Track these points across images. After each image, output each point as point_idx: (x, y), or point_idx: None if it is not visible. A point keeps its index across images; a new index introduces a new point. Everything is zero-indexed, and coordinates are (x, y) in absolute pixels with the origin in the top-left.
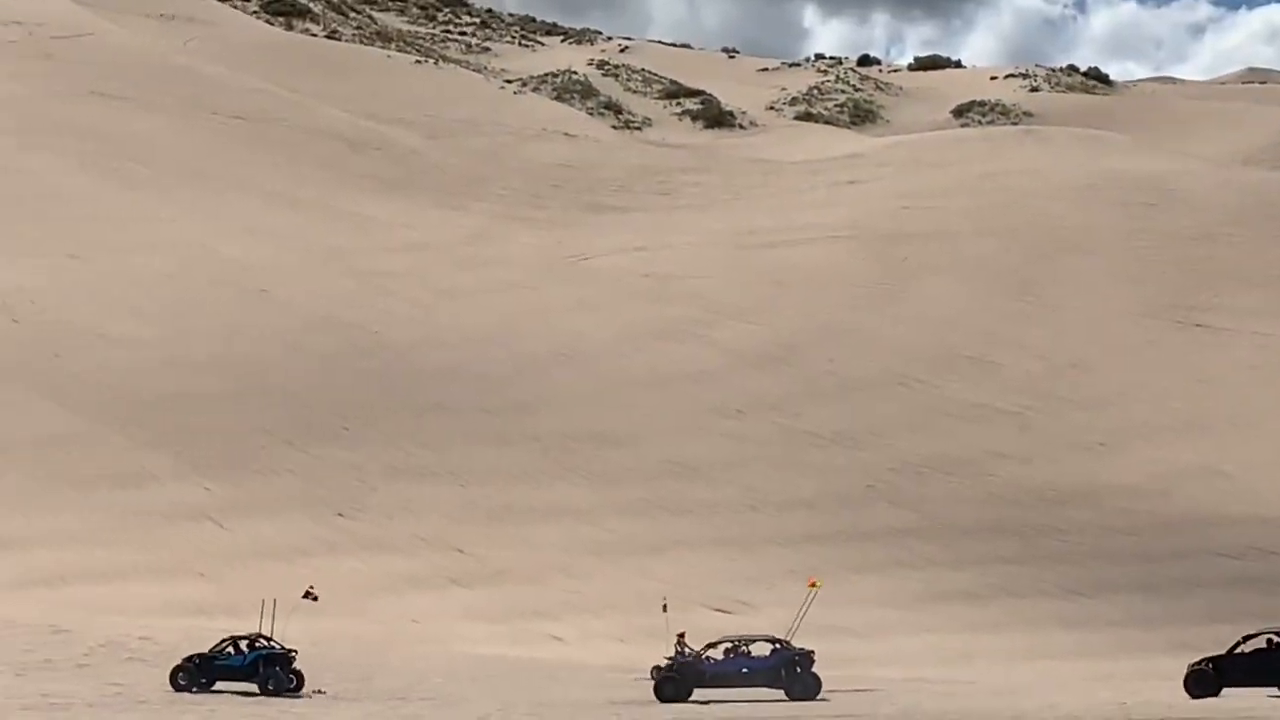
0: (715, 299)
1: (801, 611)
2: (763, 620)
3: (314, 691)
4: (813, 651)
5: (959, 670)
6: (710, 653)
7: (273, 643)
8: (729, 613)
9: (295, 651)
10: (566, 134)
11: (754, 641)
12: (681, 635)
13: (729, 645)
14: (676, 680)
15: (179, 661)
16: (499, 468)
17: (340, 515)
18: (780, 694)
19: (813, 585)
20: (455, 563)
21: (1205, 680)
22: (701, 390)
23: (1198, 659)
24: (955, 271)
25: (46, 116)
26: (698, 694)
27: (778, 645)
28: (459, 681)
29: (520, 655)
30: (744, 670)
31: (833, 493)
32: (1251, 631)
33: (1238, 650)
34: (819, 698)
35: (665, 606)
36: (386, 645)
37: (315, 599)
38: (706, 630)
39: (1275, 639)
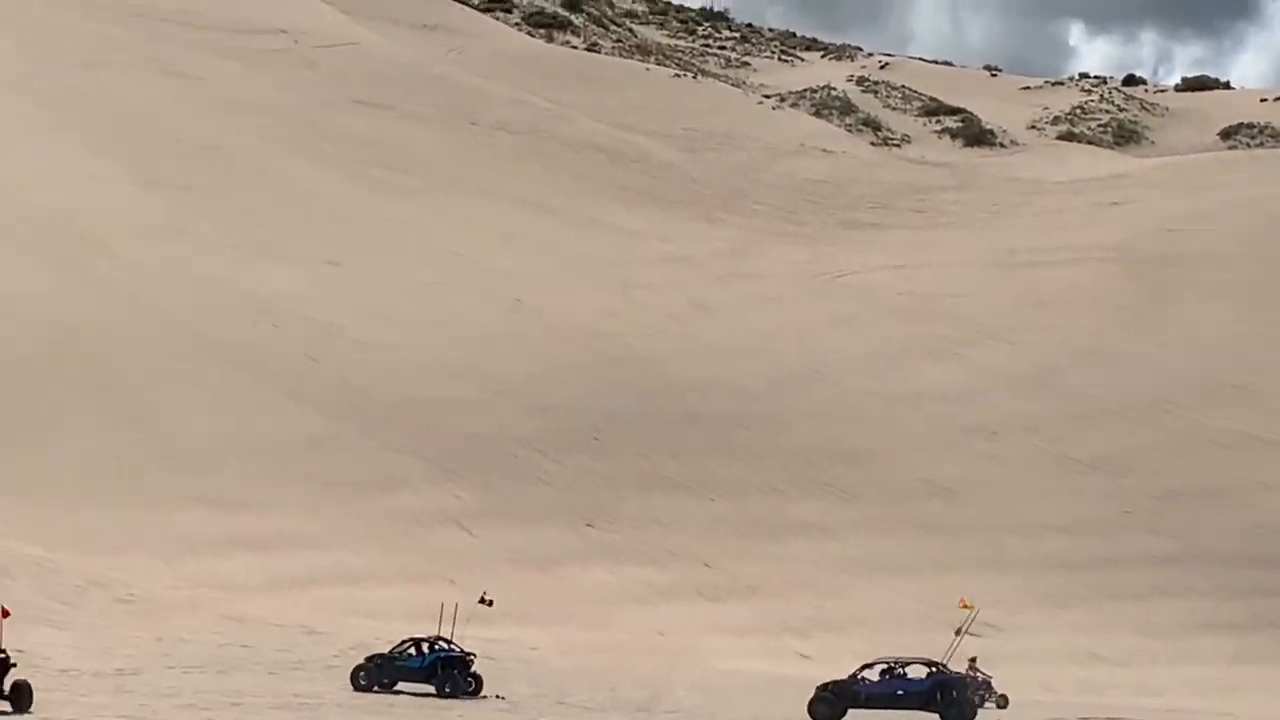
0: (973, 318)
1: (961, 635)
2: (1013, 645)
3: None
4: (969, 675)
5: (1220, 702)
6: (865, 674)
7: (453, 645)
8: (977, 636)
9: (474, 655)
10: (824, 150)
11: (910, 664)
12: (973, 660)
13: (885, 667)
14: (831, 701)
15: (360, 661)
16: (750, 482)
17: (590, 525)
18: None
19: (965, 607)
20: (703, 576)
21: None
22: (956, 410)
23: None
24: (1222, 296)
25: (310, 124)
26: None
27: (934, 669)
28: (704, 695)
29: (767, 671)
30: (899, 693)
31: (1089, 518)
32: None
33: None
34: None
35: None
36: (633, 656)
37: (490, 604)
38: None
39: None
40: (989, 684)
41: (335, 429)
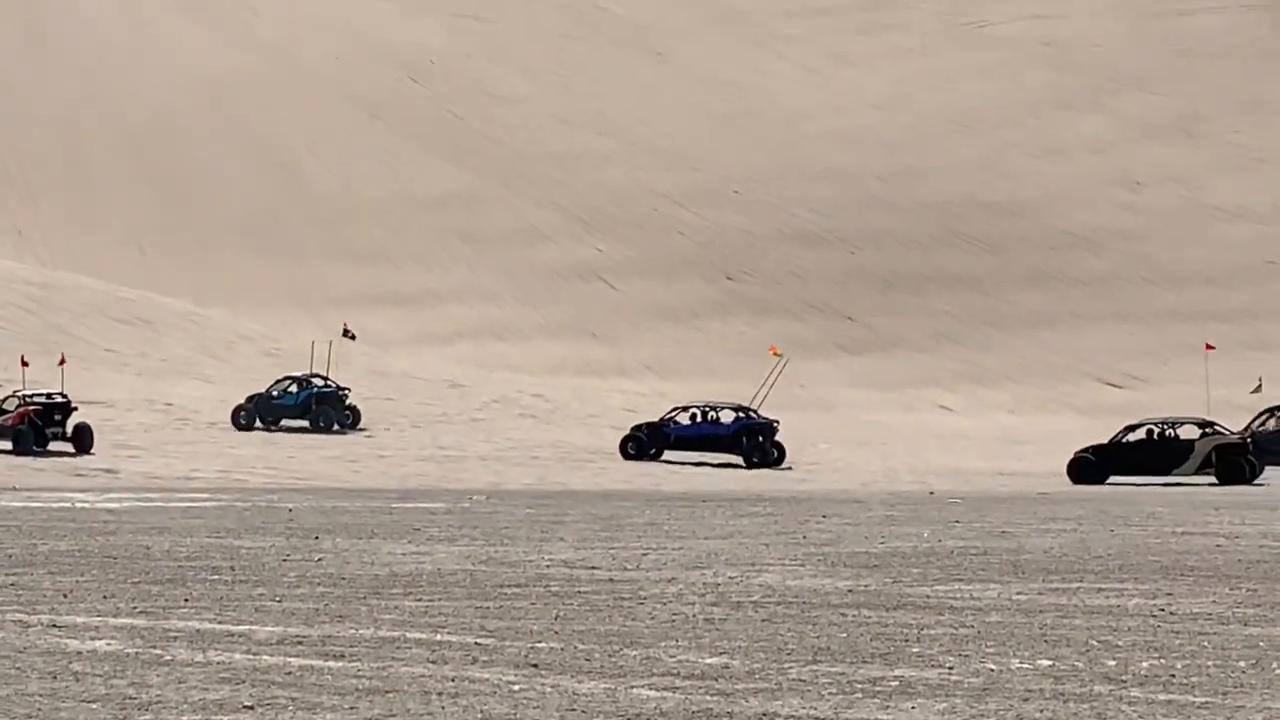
0: (1117, 68)
1: (768, 382)
2: (1158, 395)
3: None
4: (776, 422)
5: None
6: (678, 416)
7: (329, 382)
8: (1120, 387)
9: (348, 390)
10: None
11: (721, 409)
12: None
13: (696, 410)
14: (641, 440)
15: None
16: (891, 234)
17: (730, 278)
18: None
19: (775, 354)
20: (844, 329)
21: None
22: (1100, 161)
23: None
24: None
25: None
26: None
27: (741, 414)
28: (844, 448)
29: (909, 423)
30: (706, 435)
31: (1234, 267)
32: None
33: None
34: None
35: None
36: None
37: (353, 337)
38: (1100, 404)
39: None
40: None
41: (476, 183)
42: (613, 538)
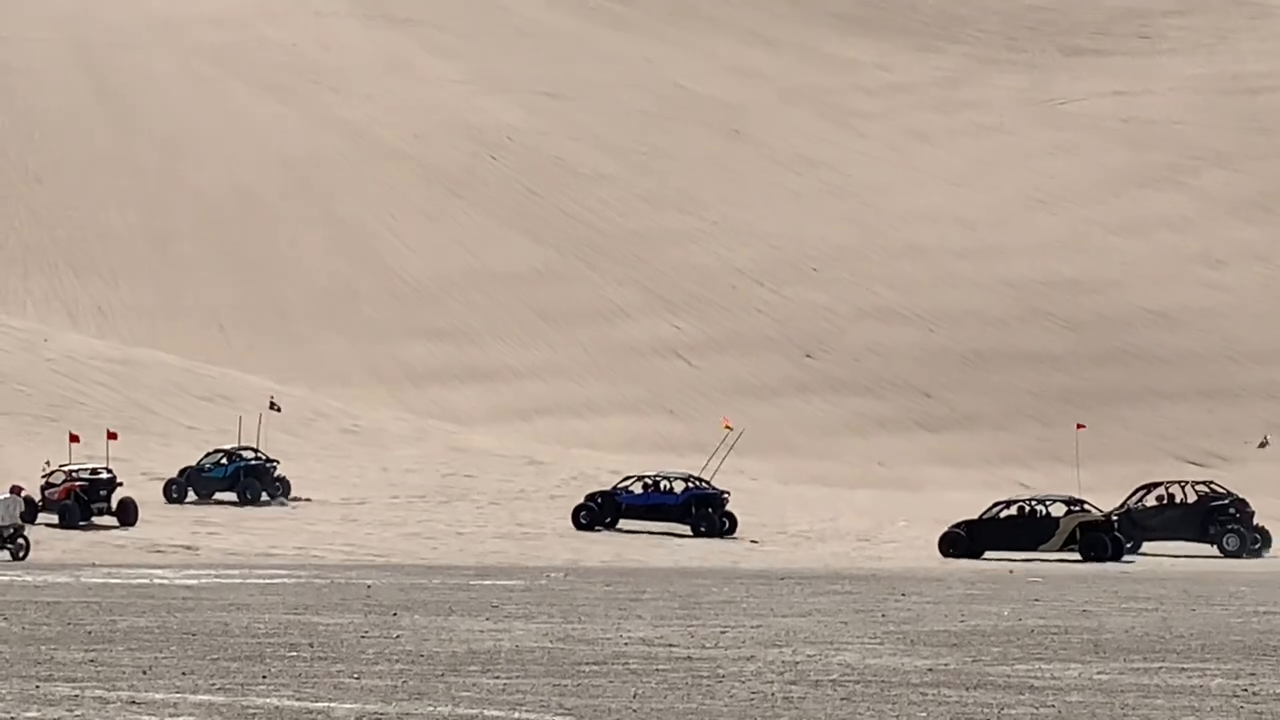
0: (1197, 145)
1: (720, 453)
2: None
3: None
4: (726, 493)
5: None
6: (631, 485)
7: (259, 454)
8: (1202, 465)
9: (277, 462)
10: None
11: (674, 479)
12: None
13: (647, 479)
14: (593, 509)
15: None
16: (969, 312)
17: (809, 356)
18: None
19: (727, 427)
20: (922, 406)
21: None
22: (1181, 238)
23: None
24: None
25: None
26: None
27: (691, 484)
28: (923, 525)
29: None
30: (655, 505)
31: None
32: None
33: None
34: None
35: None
36: (853, 487)
37: (278, 410)
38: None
39: None
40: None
41: (555, 260)
42: (690, 615)
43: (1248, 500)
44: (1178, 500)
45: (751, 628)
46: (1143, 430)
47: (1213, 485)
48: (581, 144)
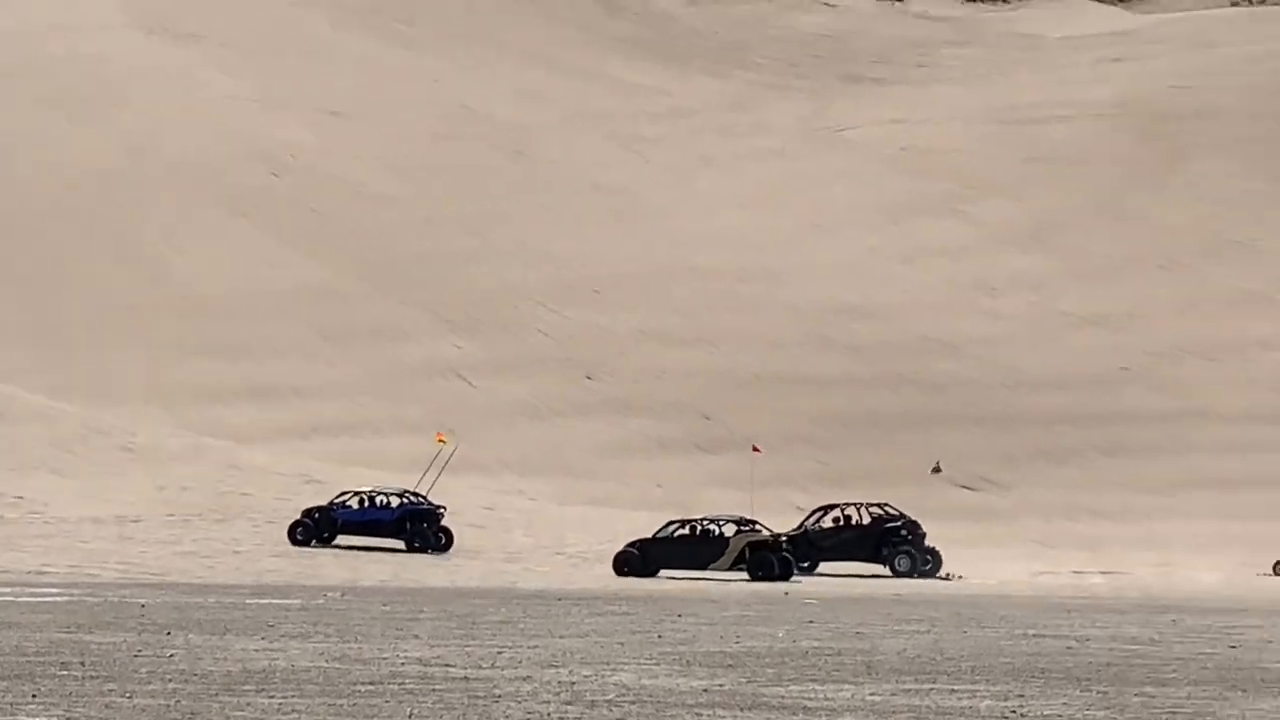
0: (974, 175)
1: (431, 469)
2: (1012, 500)
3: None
4: (442, 508)
5: (1212, 558)
6: (349, 500)
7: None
8: (976, 490)
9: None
10: (826, 3)
11: (390, 494)
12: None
13: (363, 495)
14: (309, 525)
15: None
16: (751, 335)
17: (589, 377)
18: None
19: (441, 441)
20: (703, 428)
21: None
22: (958, 266)
23: None
24: (1223, 154)
25: None
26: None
27: (405, 499)
28: None
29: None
30: (370, 520)
31: (1088, 374)
32: None
33: None
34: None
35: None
36: (632, 508)
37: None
38: (954, 507)
39: None
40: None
41: (337, 279)
42: (468, 635)
43: (920, 523)
44: (854, 522)
45: (529, 648)
46: (918, 454)
47: (886, 508)
48: (366, 163)
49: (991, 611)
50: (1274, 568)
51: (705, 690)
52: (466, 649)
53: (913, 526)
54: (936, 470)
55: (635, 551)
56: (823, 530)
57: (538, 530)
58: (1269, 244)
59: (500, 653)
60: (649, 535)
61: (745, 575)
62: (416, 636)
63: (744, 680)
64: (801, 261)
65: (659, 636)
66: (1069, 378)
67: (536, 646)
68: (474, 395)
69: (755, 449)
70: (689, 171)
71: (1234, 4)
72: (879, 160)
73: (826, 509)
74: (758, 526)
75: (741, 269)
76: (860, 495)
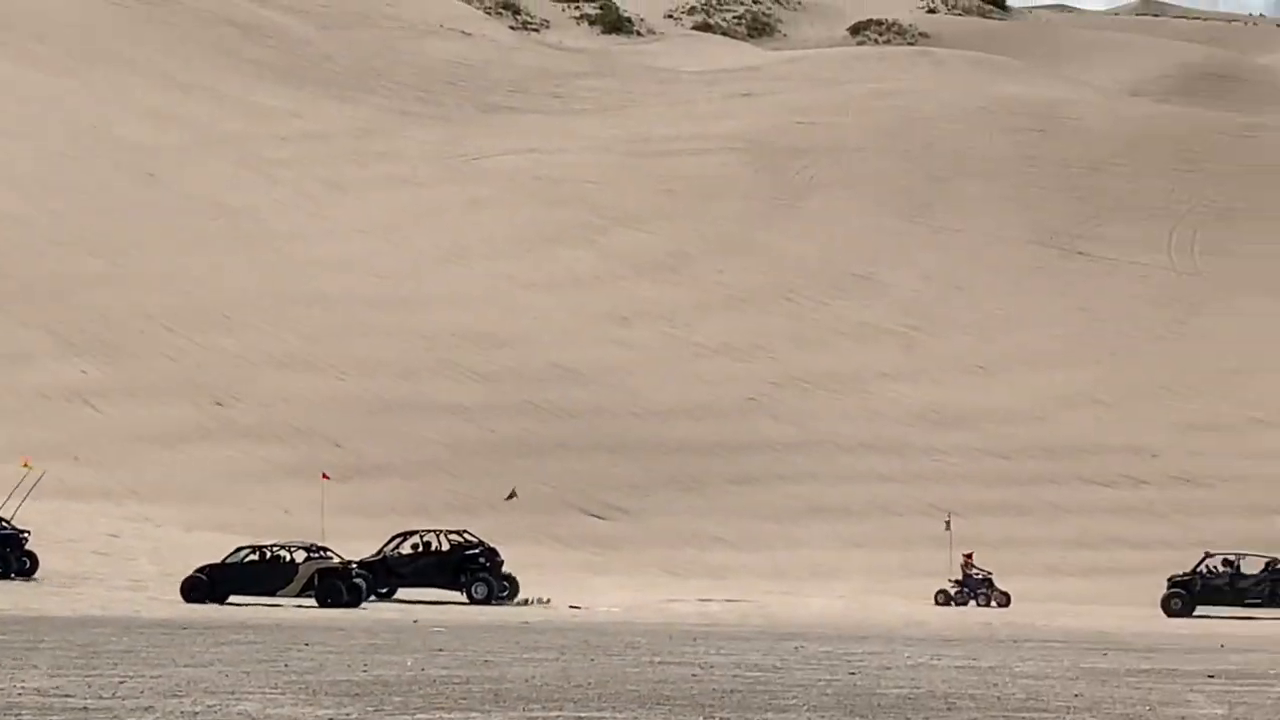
0: (607, 205)
1: (20, 494)
2: (640, 527)
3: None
4: (26, 532)
5: (831, 584)
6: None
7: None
8: (603, 518)
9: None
10: (463, 32)
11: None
12: (968, 557)
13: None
14: (203, 583)
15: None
16: (382, 362)
17: (219, 404)
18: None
19: (26, 465)
20: (333, 455)
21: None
22: (589, 296)
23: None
24: (847, 189)
25: None
26: None
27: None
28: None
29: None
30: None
31: (715, 403)
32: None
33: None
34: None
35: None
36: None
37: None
38: (583, 534)
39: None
40: (989, 581)
41: None
42: (89, 665)
43: (498, 550)
44: (433, 548)
45: (151, 677)
46: (547, 482)
47: (465, 534)
48: None
49: (619, 639)
50: (935, 597)
51: (331, 719)
52: (87, 679)
53: (491, 554)
54: (512, 496)
55: (204, 577)
56: (401, 556)
57: (164, 557)
58: (889, 277)
59: (122, 682)
60: (218, 561)
61: (314, 602)
62: (35, 666)
63: (370, 709)
64: (434, 289)
65: (285, 665)
66: (698, 407)
67: (159, 676)
68: (100, 420)
69: (324, 475)
70: (320, 197)
71: (860, 43)
72: (513, 189)
73: (406, 535)
74: (328, 553)
75: (373, 296)
76: (491, 522)
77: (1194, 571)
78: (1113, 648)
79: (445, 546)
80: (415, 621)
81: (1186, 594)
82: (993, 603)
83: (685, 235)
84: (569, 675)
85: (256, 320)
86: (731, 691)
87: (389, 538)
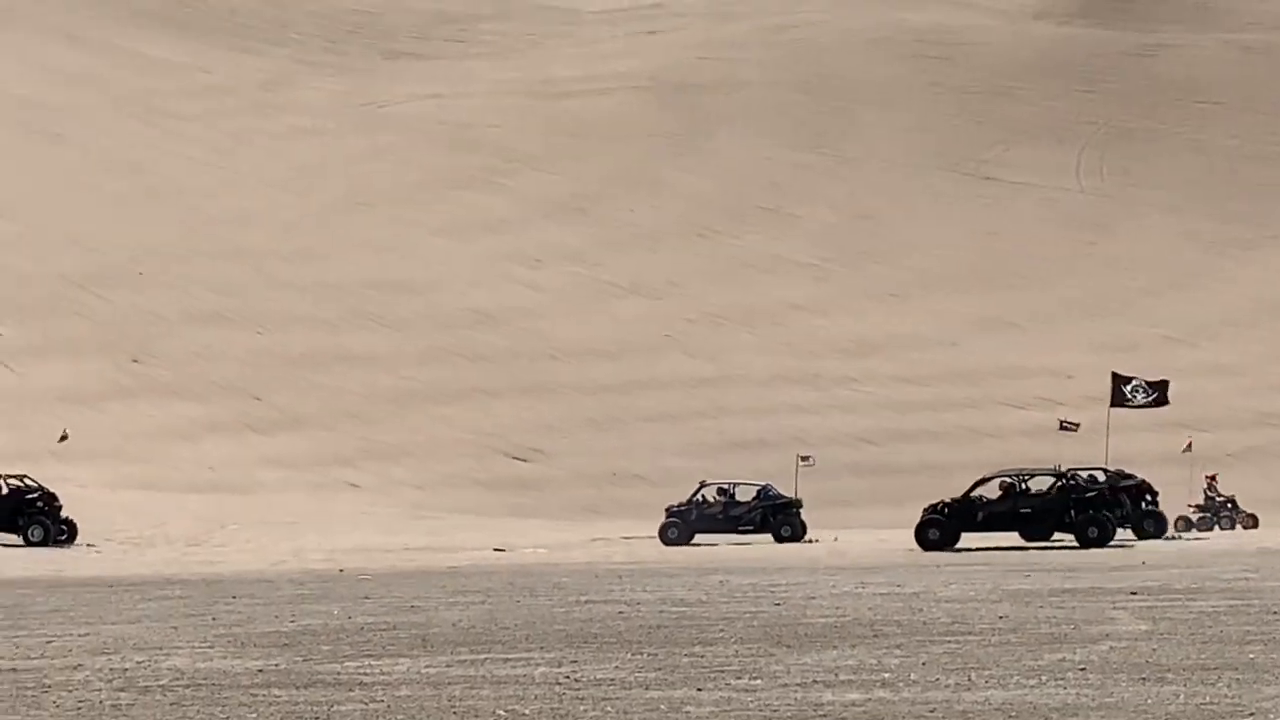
0: (512, 148)
1: None
2: (558, 467)
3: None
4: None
5: None
6: None
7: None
8: (526, 461)
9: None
10: None
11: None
12: (1213, 477)
13: None
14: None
15: None
16: (296, 314)
17: (135, 360)
18: None
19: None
20: (252, 409)
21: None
22: (499, 239)
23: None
24: (751, 124)
25: None
26: None
27: None
28: (257, 529)
29: (316, 502)
30: None
31: (631, 342)
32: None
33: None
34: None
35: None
36: (184, 492)
37: (66, 438)
38: (505, 477)
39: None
40: (1233, 503)
41: None
42: (15, 625)
43: (57, 495)
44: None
45: (79, 636)
46: (466, 428)
47: (25, 479)
48: None
49: (545, 580)
50: (1174, 524)
51: (261, 670)
52: (14, 639)
53: (50, 498)
54: (64, 439)
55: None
56: None
57: (87, 517)
58: (794, 210)
59: (49, 642)
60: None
61: None
62: None
63: (299, 659)
64: (343, 239)
65: (213, 619)
66: (613, 346)
67: (87, 634)
68: (16, 382)
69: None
70: (227, 150)
71: None
72: (418, 135)
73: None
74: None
75: (283, 248)
76: (401, 473)
77: (690, 501)
78: (1036, 569)
79: (4, 490)
80: (341, 570)
81: (682, 522)
82: (1237, 525)
83: (592, 175)
84: (496, 618)
85: (169, 277)
86: (658, 627)
87: None
